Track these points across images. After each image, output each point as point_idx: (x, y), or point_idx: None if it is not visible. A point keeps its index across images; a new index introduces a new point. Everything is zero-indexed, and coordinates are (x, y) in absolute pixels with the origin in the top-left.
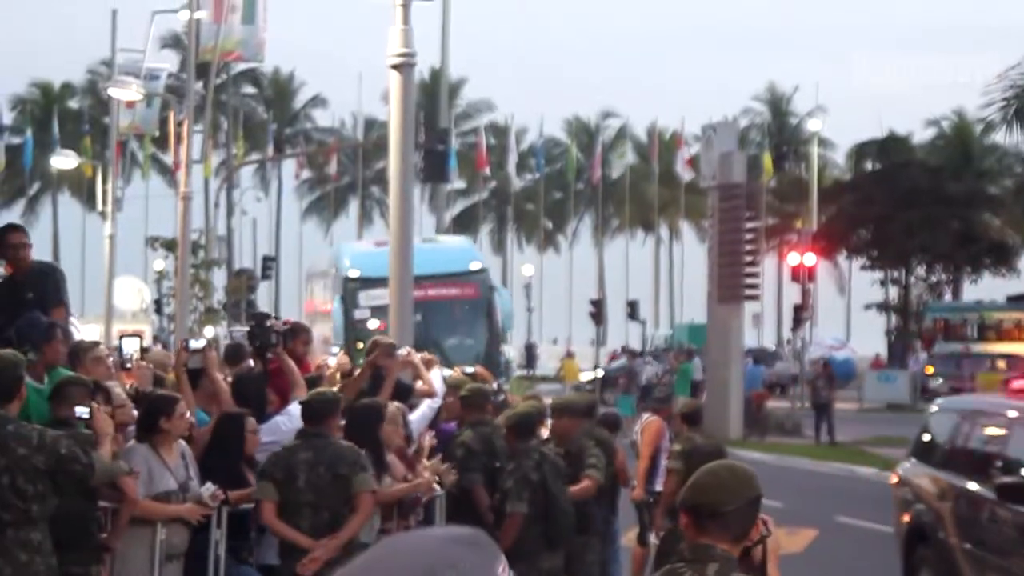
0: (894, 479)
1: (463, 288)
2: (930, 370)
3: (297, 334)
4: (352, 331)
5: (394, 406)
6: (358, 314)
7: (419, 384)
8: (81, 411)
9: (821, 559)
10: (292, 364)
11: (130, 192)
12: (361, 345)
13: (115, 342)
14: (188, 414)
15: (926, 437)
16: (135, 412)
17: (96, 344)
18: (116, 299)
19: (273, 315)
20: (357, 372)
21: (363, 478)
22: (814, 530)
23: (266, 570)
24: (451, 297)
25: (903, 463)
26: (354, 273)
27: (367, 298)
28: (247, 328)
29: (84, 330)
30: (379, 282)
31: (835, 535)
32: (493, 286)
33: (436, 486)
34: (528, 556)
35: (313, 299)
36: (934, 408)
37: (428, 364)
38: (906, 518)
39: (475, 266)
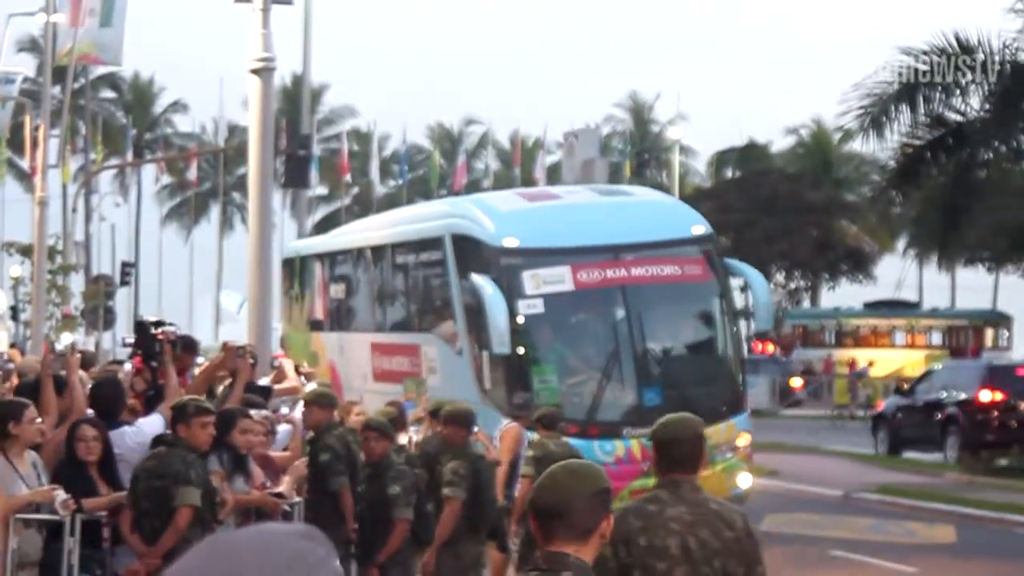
0: None
1: (683, 265)
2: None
3: (188, 348)
4: (516, 334)
5: (262, 414)
6: (524, 306)
7: (281, 384)
8: None
9: None
10: (173, 375)
11: None
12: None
13: None
14: (39, 420)
15: None
16: None
17: None
18: None
19: (166, 322)
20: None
21: (183, 492)
22: None
23: None
24: (668, 279)
25: None
26: (511, 242)
27: (535, 282)
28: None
29: None
30: (548, 256)
31: None
32: (729, 265)
33: (295, 495)
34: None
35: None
36: None
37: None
38: None
39: (699, 230)
